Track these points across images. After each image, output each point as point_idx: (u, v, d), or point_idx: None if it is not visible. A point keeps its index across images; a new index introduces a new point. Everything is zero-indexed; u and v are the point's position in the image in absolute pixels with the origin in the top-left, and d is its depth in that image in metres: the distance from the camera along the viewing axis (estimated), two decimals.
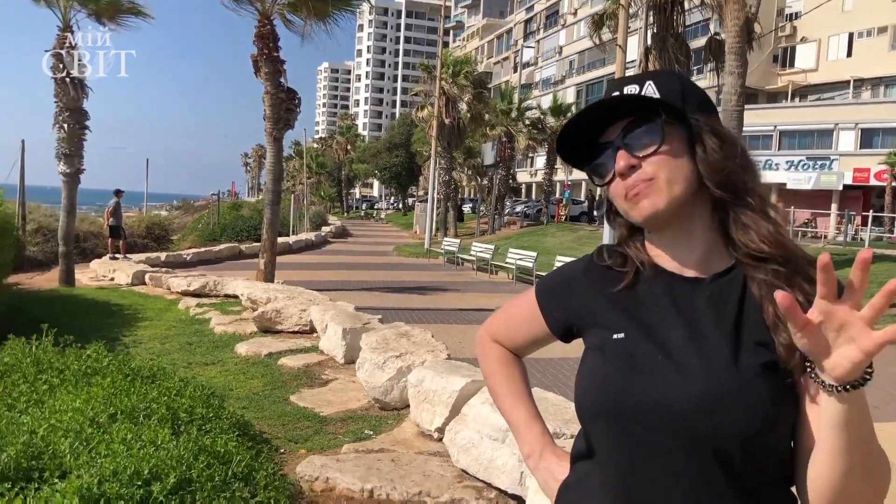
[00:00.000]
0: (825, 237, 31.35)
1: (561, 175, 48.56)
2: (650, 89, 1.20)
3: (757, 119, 36.85)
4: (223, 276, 14.22)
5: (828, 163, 37.79)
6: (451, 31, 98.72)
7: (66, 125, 14.51)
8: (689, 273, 1.21)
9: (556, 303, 1.36)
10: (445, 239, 29.33)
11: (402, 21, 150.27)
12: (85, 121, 14.85)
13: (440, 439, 4.88)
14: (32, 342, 5.00)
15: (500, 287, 17.93)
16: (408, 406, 5.50)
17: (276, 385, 6.53)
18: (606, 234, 14.96)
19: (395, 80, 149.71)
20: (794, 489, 1.13)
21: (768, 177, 36.70)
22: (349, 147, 73.45)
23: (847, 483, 1.00)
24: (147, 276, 14.92)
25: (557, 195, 46.94)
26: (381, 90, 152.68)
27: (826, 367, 0.94)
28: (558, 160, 41.77)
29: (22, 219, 17.01)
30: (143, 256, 19.34)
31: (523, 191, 64.59)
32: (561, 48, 65.06)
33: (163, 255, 20.20)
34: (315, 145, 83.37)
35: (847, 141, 37.68)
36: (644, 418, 1.12)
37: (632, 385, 1.14)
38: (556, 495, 1.33)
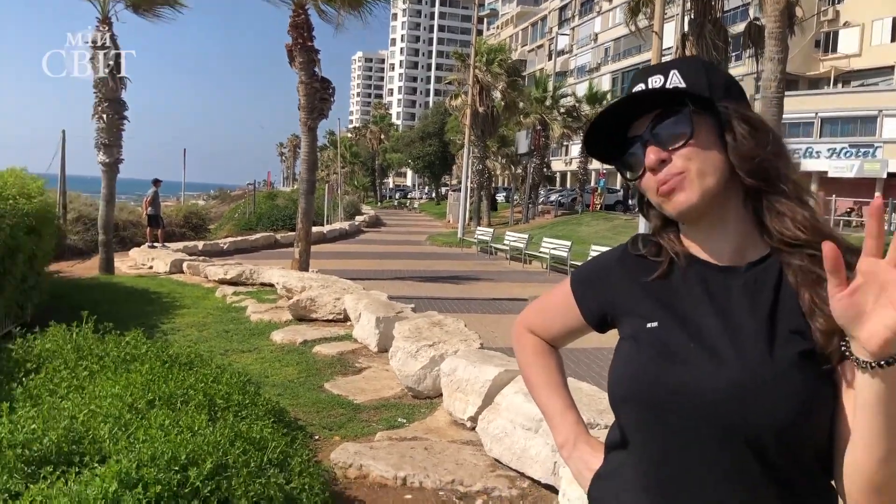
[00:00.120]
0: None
1: (596, 164, 48.14)
2: (675, 79, 1.18)
3: (797, 106, 36.09)
4: (259, 264, 14.37)
5: (871, 150, 36.93)
6: (485, 19, 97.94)
7: (105, 115, 14.74)
8: (724, 262, 1.20)
9: (590, 292, 1.36)
10: (479, 228, 29.28)
11: (436, 9, 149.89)
12: (123, 111, 15.07)
13: (473, 428, 4.88)
14: (73, 329, 5.10)
15: (533, 277, 17.86)
16: (440, 395, 5.51)
17: (310, 372, 6.59)
18: (642, 224, 14.81)
19: (429, 68, 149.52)
20: (833, 482, 1.11)
21: (809, 165, 36.03)
22: (383, 136, 73.56)
23: (884, 471, 0.96)
24: (185, 265, 15.13)
25: (592, 184, 46.60)
26: (414, 79, 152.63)
27: (861, 337, 0.91)
28: None
29: (63, 208, 17.36)
30: (180, 245, 19.61)
31: (558, 179, 64.19)
32: (596, 35, 64.39)
33: (200, 244, 20.46)
34: (349, 135, 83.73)
35: (891, 128, 36.75)
36: (677, 407, 1.12)
37: (664, 374, 1.14)
38: (589, 485, 1.33)
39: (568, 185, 58.65)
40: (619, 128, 1.23)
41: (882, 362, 0.89)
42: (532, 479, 4.15)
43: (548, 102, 39.51)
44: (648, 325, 1.20)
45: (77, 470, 2.85)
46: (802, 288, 1.10)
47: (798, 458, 1.08)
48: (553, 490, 3.96)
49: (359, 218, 37.82)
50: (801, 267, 1.12)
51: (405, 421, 5.30)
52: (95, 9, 14.70)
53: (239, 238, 23.32)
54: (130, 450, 2.93)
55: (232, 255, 19.78)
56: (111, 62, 14.58)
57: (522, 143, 38.12)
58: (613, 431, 1.29)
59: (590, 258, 1.47)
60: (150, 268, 16.14)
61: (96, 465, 2.90)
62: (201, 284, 13.23)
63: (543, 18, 77.35)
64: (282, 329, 8.49)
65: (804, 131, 38.79)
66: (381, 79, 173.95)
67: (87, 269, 15.55)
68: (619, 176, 1.37)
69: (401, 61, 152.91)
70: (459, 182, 37.37)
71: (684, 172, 1.14)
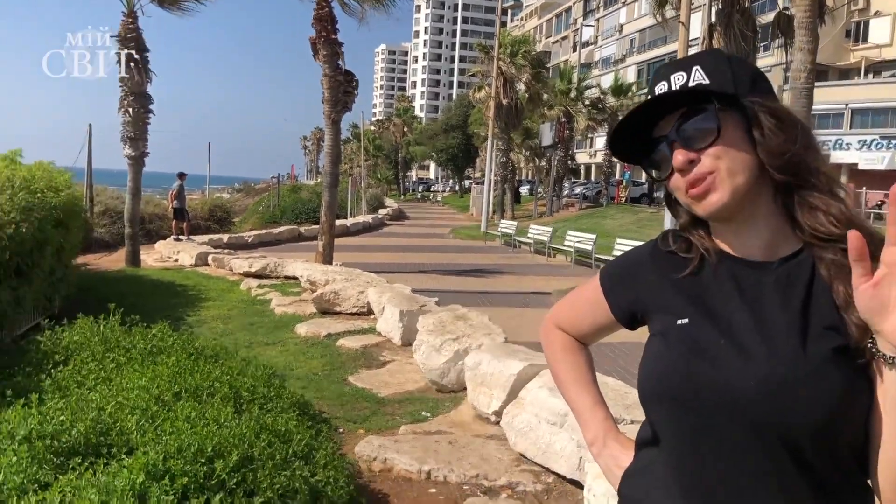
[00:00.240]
0: None
1: None
2: (698, 74, 1.15)
3: (827, 97, 35.52)
4: (283, 257, 14.44)
5: None
6: (509, 11, 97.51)
7: (131, 109, 14.87)
8: (755, 258, 1.17)
9: (620, 289, 1.34)
10: (502, 221, 29.21)
11: (460, 1, 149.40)
12: (149, 105, 15.20)
13: (497, 423, 4.87)
14: (100, 321, 5.15)
15: (558, 270, 17.78)
16: (465, 389, 5.50)
17: (334, 366, 6.61)
18: (667, 217, 14.69)
19: (453, 60, 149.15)
20: (870, 480, 1.08)
21: (839, 157, 35.43)
22: (406, 129, 73.59)
23: None
24: (210, 258, 15.25)
25: (617, 176, 46.24)
26: (438, 71, 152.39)
27: (885, 330, 0.89)
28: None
29: (90, 201, 17.57)
30: (205, 238, 19.78)
31: (582, 172, 63.84)
32: (621, 26, 63.84)
33: (225, 237, 20.62)
34: (372, 128, 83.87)
35: None
36: (707, 403, 1.10)
37: (695, 370, 1.13)
38: (618, 482, 1.31)
39: (592, 178, 58.31)
40: (643, 127, 1.21)
41: None
42: (557, 474, 4.13)
43: (572, 94, 39.23)
44: (679, 322, 1.18)
45: (105, 461, 2.88)
46: (836, 282, 1.08)
47: (834, 455, 1.06)
48: (578, 485, 3.94)
49: (382, 211, 37.91)
50: (834, 261, 1.09)
51: (429, 415, 5.29)
52: (122, 3, 14.83)
53: (263, 231, 23.47)
54: (157, 442, 2.95)
55: (256, 248, 19.91)
56: (135, 57, 14.69)
57: (546, 135, 37.91)
58: (644, 428, 1.28)
59: (619, 255, 1.44)
60: (176, 260, 16.28)
61: (124, 456, 2.92)
62: (226, 277, 13.34)
63: (568, 10, 76.83)
64: (306, 322, 8.53)
65: (834, 122, 38.18)
66: (405, 71, 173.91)
67: (113, 261, 15.74)
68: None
69: (424, 53, 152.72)
70: (483, 175, 37.28)
71: (714, 172, 1.12)
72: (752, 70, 1.20)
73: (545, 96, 38.19)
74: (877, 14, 42.18)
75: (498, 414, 4.87)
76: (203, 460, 2.83)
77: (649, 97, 1.18)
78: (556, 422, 4.16)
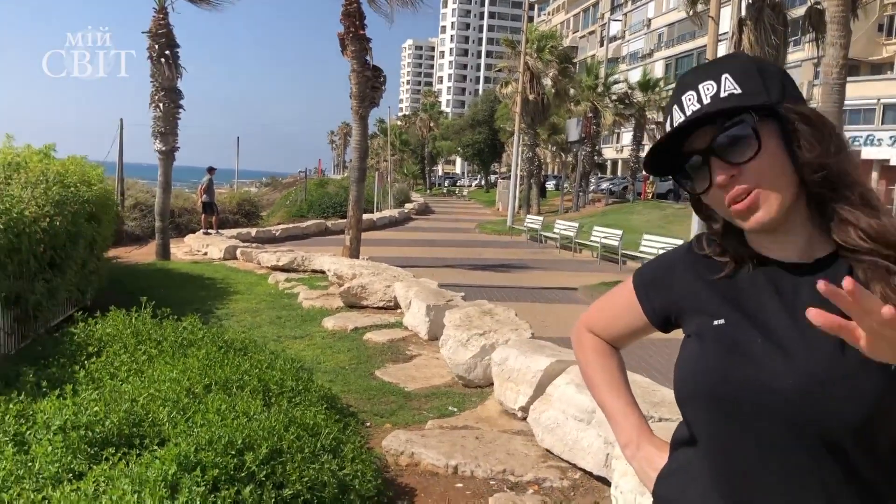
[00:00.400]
0: None
1: (648, 151, 47.48)
2: (728, 83, 1.12)
3: (859, 92, 34.91)
4: (310, 251, 14.52)
5: None
6: (536, 6, 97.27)
7: (161, 104, 15.05)
8: (791, 260, 1.16)
9: (654, 292, 1.34)
10: (528, 216, 29.13)
11: None
12: (179, 100, 15.37)
13: (524, 418, 4.86)
14: (132, 314, 5.22)
15: (584, 266, 17.70)
16: (491, 384, 5.50)
17: (361, 359, 6.65)
18: (695, 214, 14.55)
19: (479, 56, 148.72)
20: None
21: (870, 153, 34.85)
22: (432, 124, 73.57)
23: None
24: (238, 251, 15.39)
25: (644, 172, 45.86)
26: (464, 66, 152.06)
27: None
28: (645, 136, 40.84)
29: (121, 195, 17.82)
30: (234, 232, 19.96)
31: (609, 167, 63.41)
32: (649, 21, 63.23)
33: (253, 231, 20.79)
34: (399, 122, 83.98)
35: None
36: (745, 403, 1.10)
37: (732, 370, 1.12)
38: (653, 484, 1.30)
39: (619, 173, 57.93)
40: (674, 140, 1.19)
41: None
42: (584, 471, 4.12)
43: (599, 89, 38.99)
44: (715, 323, 1.18)
45: (138, 452, 2.93)
46: (873, 282, 1.07)
47: (875, 455, 1.05)
48: (605, 482, 3.92)
49: (408, 205, 37.96)
50: (869, 262, 1.09)
51: (456, 410, 5.30)
52: None
53: (291, 225, 23.64)
54: (189, 433, 2.99)
55: (284, 241, 20.05)
56: (166, 51, 14.85)
57: (573, 130, 37.65)
58: (681, 429, 1.27)
59: (653, 258, 1.44)
60: (205, 254, 16.45)
61: (156, 447, 2.97)
62: (254, 271, 13.45)
63: (595, 4, 76.22)
64: (333, 316, 8.57)
65: (865, 118, 37.52)
66: (431, 66, 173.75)
67: (143, 254, 15.95)
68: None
69: (451, 49, 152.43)
70: (509, 170, 37.18)
71: (758, 187, 1.10)
72: (780, 73, 1.17)
73: (572, 91, 37.96)
74: None
75: (525, 410, 4.87)
76: (233, 452, 2.86)
77: (686, 117, 1.14)
78: (584, 418, 4.14)
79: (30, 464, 2.80)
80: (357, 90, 14.28)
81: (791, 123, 1.11)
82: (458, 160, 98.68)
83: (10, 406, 3.32)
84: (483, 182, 70.55)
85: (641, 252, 16.50)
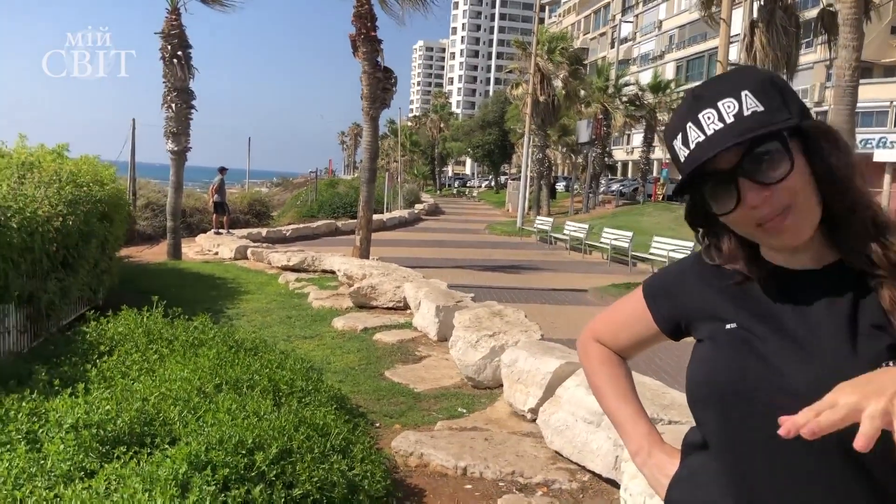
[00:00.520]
0: None
1: (658, 153, 47.30)
2: (749, 101, 1.09)
3: (871, 94, 34.70)
4: (320, 251, 14.56)
5: None
6: (547, 7, 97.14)
7: (173, 105, 15.13)
8: (802, 266, 1.17)
9: (664, 300, 1.34)
10: (538, 217, 29.11)
11: None
12: (191, 100, 15.44)
13: (533, 420, 4.86)
14: (143, 313, 5.25)
15: (594, 267, 17.67)
16: (501, 385, 5.50)
17: (371, 360, 6.66)
18: None
19: (490, 57, 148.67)
20: None
21: (883, 155, 34.65)
22: (443, 125, 73.58)
23: None
24: (249, 251, 15.44)
25: (655, 174, 45.73)
26: (475, 68, 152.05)
27: None
28: (656, 138, 40.72)
29: (132, 195, 17.91)
30: (245, 232, 20.03)
31: (619, 169, 63.26)
32: (661, 22, 63.01)
33: (263, 231, 20.86)
34: (409, 123, 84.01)
35: None
36: (759, 404, 1.10)
37: (745, 371, 1.12)
38: (665, 491, 1.30)
39: (630, 175, 57.76)
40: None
41: None
42: (593, 473, 4.11)
43: (610, 91, 38.93)
44: (728, 327, 1.18)
45: (149, 451, 2.95)
46: (881, 287, 1.08)
47: (889, 457, 1.04)
48: (614, 484, 3.92)
49: (418, 206, 37.97)
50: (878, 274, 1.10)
51: (465, 411, 5.31)
52: (165, 0, 15.06)
53: (301, 225, 23.70)
54: (199, 433, 3.00)
55: (294, 241, 20.11)
56: (179, 52, 14.91)
57: (583, 132, 37.60)
58: (693, 433, 1.27)
59: (661, 268, 1.44)
60: (216, 254, 16.51)
61: (167, 446, 2.98)
62: (265, 271, 13.49)
63: (606, 6, 76.05)
64: (343, 316, 8.59)
65: (878, 120, 37.29)
66: (442, 67, 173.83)
67: (155, 254, 16.02)
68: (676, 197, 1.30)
69: (461, 50, 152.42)
70: (519, 171, 37.15)
71: (790, 207, 1.09)
72: (789, 87, 1.15)
73: (582, 93, 37.91)
74: None
75: (534, 411, 4.87)
76: (244, 452, 2.88)
77: (725, 147, 1.09)
78: (593, 420, 4.14)
79: (42, 462, 2.82)
80: (368, 91, 14.31)
81: (816, 141, 1.11)
82: (469, 161, 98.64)
83: (23, 404, 3.34)
84: (493, 183, 70.51)
85: (651, 254, 16.46)
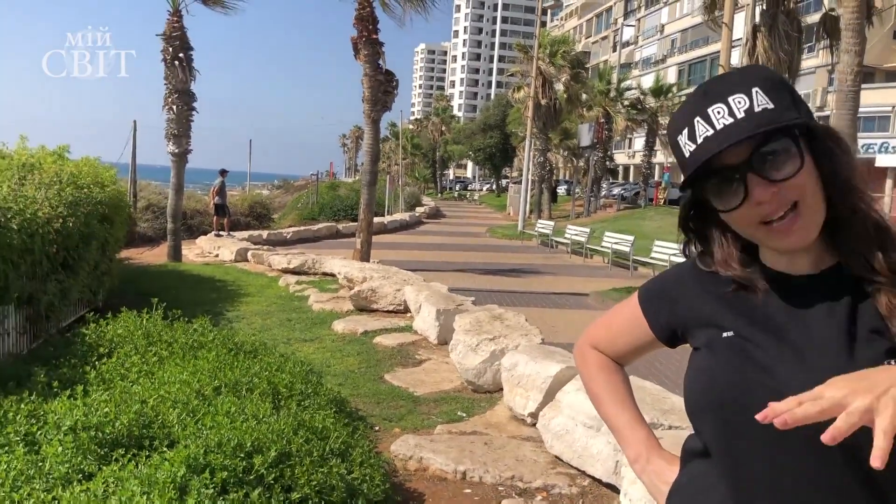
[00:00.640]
0: None
1: (660, 157, 47.36)
2: (760, 98, 1.08)
3: (873, 99, 34.71)
4: (321, 254, 14.55)
5: None
6: (549, 11, 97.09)
7: (175, 107, 15.13)
8: (800, 271, 1.16)
9: (660, 307, 1.33)
10: (539, 221, 29.10)
11: (500, 1, 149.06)
12: (193, 102, 15.45)
13: (533, 424, 4.85)
14: (143, 315, 5.24)
15: (595, 271, 17.65)
16: (500, 389, 5.49)
17: (370, 363, 6.64)
18: None
19: (492, 60, 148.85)
20: None
21: (885, 160, 34.61)
22: (444, 128, 73.65)
23: None
24: (249, 254, 15.43)
25: (656, 178, 45.77)
26: (476, 71, 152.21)
27: None
28: (658, 142, 40.74)
29: (133, 196, 17.89)
30: (245, 234, 20.02)
31: (620, 173, 63.33)
32: (662, 26, 63.09)
33: (264, 233, 20.86)
34: (410, 126, 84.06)
35: None
36: (756, 413, 1.07)
37: (745, 379, 1.12)
38: (664, 498, 1.29)
39: (631, 179, 57.82)
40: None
41: None
42: (593, 478, 4.10)
43: (612, 94, 38.98)
44: (725, 335, 1.17)
45: (147, 453, 2.94)
46: (878, 293, 1.08)
47: (891, 461, 1.03)
48: (614, 489, 3.90)
49: (419, 209, 38.00)
50: (876, 280, 1.09)
51: (465, 415, 5.29)
52: (167, 2, 15.08)
53: (302, 228, 23.70)
54: (198, 435, 2.99)
55: (295, 244, 20.10)
56: (180, 54, 14.92)
57: (585, 135, 37.60)
58: (692, 440, 1.26)
59: (657, 275, 1.43)
60: (216, 256, 16.51)
61: (165, 449, 2.97)
62: (265, 273, 13.48)
63: (608, 9, 76.17)
64: (343, 319, 8.58)
65: (880, 125, 37.31)
66: (444, 70, 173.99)
67: (155, 256, 16.01)
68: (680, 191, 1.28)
69: (463, 53, 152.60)
70: (520, 174, 37.18)
71: (798, 205, 1.08)
72: (796, 90, 1.15)
73: (584, 96, 37.96)
74: None
75: (534, 416, 4.85)
76: (242, 455, 2.87)
77: (731, 122, 1.08)
78: (593, 425, 4.13)
79: (40, 464, 2.81)
80: (369, 94, 14.31)
81: (823, 141, 1.10)
82: (470, 164, 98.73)
83: (22, 406, 3.34)
84: (494, 186, 70.56)
85: (653, 258, 16.43)
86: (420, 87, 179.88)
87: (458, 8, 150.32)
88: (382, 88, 14.42)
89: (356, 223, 15.68)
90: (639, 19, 68.18)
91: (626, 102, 40.07)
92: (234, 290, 10.96)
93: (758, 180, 1.08)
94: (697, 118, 1.11)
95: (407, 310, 8.95)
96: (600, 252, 19.72)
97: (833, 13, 18.39)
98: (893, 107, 37.15)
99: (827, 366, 1.05)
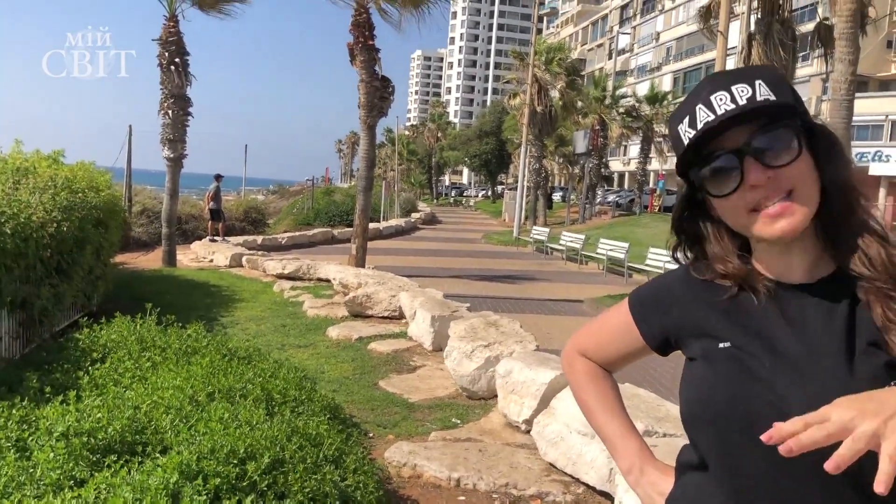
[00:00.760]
0: None
1: (655, 164, 47.43)
2: (763, 90, 1.10)
3: (867, 108, 34.84)
4: (316, 260, 14.53)
5: None
6: (545, 18, 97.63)
7: (170, 111, 15.09)
8: (796, 279, 1.15)
9: (652, 314, 1.31)
10: (535, 227, 29.13)
11: (496, 8, 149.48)
12: (188, 107, 15.41)
13: (528, 431, 4.84)
14: (137, 320, 5.22)
15: (590, 278, 17.67)
16: (495, 396, 5.48)
17: (365, 370, 6.63)
18: None
19: (488, 67, 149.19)
20: None
21: (878, 169, 34.75)
22: (440, 134, 73.76)
23: None
24: (244, 259, 15.40)
25: (651, 185, 45.86)
26: (472, 77, 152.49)
27: None
28: (653, 149, 40.84)
29: (128, 201, 17.87)
30: (240, 239, 19.98)
31: (615, 179, 63.44)
32: (658, 34, 63.34)
33: (259, 239, 20.82)
34: (406, 132, 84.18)
35: None
36: (757, 424, 1.07)
37: (742, 391, 1.11)
38: None
39: (626, 186, 57.89)
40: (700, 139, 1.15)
41: None
42: (587, 485, 4.09)
43: (607, 102, 39.09)
44: (721, 345, 1.16)
45: (140, 460, 2.92)
46: (875, 304, 1.07)
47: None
48: (608, 497, 3.90)
49: (415, 215, 38.00)
50: (870, 285, 1.09)
51: (459, 422, 5.28)
52: (163, 7, 15.07)
53: (297, 233, 23.68)
54: (191, 442, 2.98)
55: (290, 249, 20.07)
56: (176, 59, 14.91)
57: (580, 142, 37.70)
58: (687, 452, 1.25)
59: (648, 281, 1.42)
60: (211, 261, 16.47)
61: (158, 455, 2.95)
62: (259, 279, 13.45)
63: (604, 17, 76.43)
64: (337, 325, 8.56)
65: (874, 134, 37.46)
66: (440, 77, 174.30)
67: (150, 260, 15.97)
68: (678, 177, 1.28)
69: (459, 60, 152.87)
70: (516, 181, 37.23)
71: (793, 192, 1.08)
72: (795, 90, 1.17)
73: (579, 104, 38.09)
74: None
75: (528, 423, 4.85)
76: (235, 461, 2.85)
77: (730, 110, 1.09)
78: (588, 433, 4.12)
79: (31, 470, 2.79)
80: (365, 100, 14.31)
81: (823, 140, 1.11)
82: (465, 170, 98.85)
83: (13, 411, 3.31)
84: (490, 193, 70.65)
85: (648, 265, 16.46)
86: (416, 93, 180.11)
87: (455, 15, 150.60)
88: (378, 94, 14.43)
89: (351, 229, 15.67)
90: (634, 27, 68.41)
91: (622, 110, 40.20)
92: (228, 296, 10.93)
93: (754, 164, 1.09)
94: (699, 105, 1.13)
95: (402, 316, 8.94)
96: (595, 259, 19.76)
97: (827, 22, 18.47)
98: (887, 116, 37.32)
99: (826, 379, 1.05)
